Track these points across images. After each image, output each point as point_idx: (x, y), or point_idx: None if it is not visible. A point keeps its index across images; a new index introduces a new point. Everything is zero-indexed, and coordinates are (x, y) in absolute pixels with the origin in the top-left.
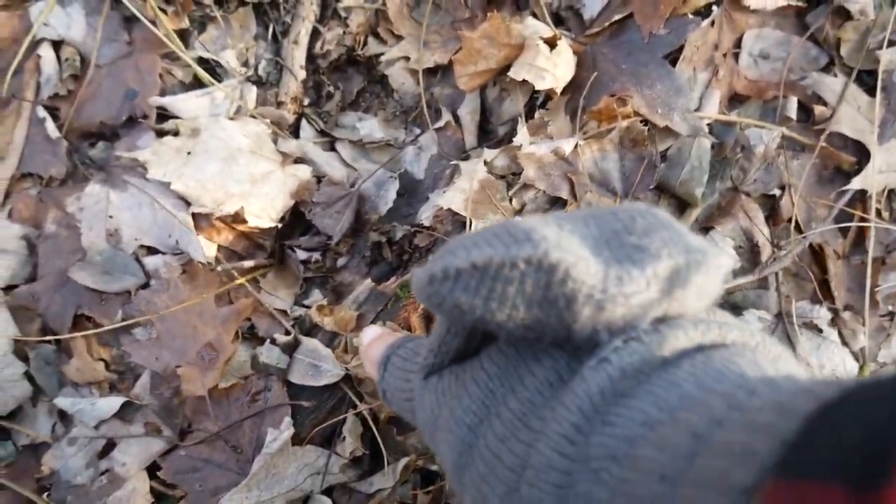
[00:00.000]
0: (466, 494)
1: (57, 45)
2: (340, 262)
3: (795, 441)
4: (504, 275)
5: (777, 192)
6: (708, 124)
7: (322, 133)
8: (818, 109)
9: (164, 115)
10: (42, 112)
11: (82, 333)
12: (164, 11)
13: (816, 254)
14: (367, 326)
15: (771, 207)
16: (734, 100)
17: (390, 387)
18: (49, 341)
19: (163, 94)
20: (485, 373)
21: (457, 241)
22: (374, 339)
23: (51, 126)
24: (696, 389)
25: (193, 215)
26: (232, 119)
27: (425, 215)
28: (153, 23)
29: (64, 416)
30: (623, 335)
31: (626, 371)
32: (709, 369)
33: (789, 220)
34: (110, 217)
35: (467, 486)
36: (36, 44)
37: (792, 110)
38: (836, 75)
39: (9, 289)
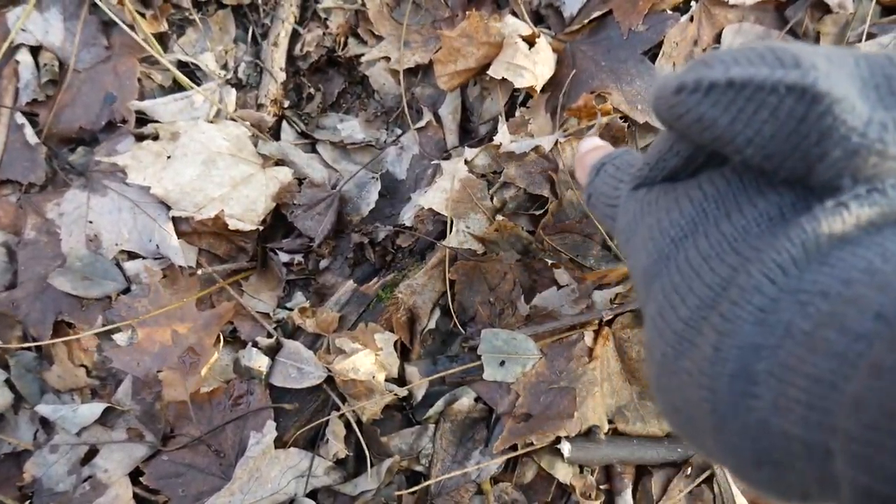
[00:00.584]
0: (651, 301)
1: (35, 50)
2: (323, 264)
3: None
4: (761, 97)
5: None
6: None
7: (303, 135)
8: None
9: (143, 119)
10: (20, 118)
11: (63, 339)
12: (143, 15)
13: None
14: (586, 137)
15: None
16: None
17: (597, 191)
18: (30, 348)
19: (142, 98)
20: (701, 192)
21: (714, 55)
22: (592, 148)
23: (29, 132)
24: None
25: (174, 219)
26: (212, 122)
27: (407, 215)
28: (131, 27)
29: (46, 423)
30: (868, 184)
31: (860, 220)
32: None
33: None
34: (90, 222)
35: (654, 293)
36: (13, 49)
37: None
38: None
39: None
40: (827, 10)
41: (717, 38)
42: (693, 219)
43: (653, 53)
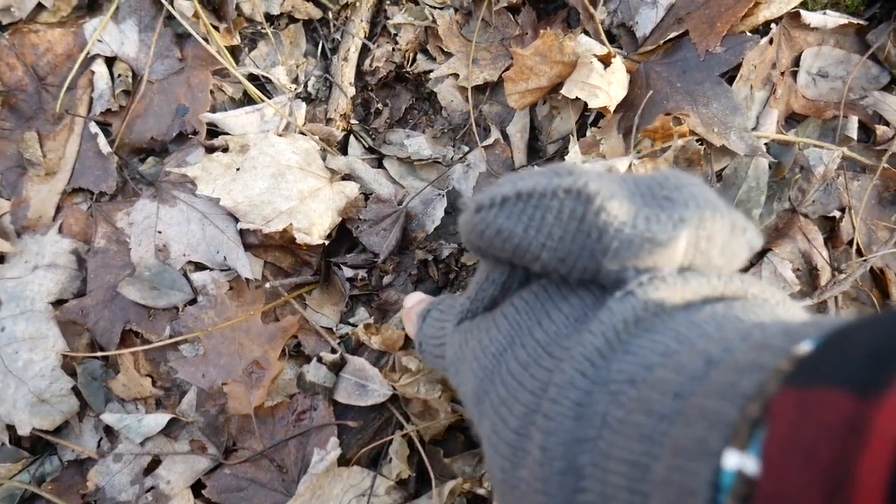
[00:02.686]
0: (485, 419)
1: (110, 61)
2: (386, 280)
3: (804, 357)
4: (545, 203)
5: (837, 213)
6: (765, 144)
7: (370, 150)
8: (879, 129)
9: (213, 131)
10: (94, 127)
11: (130, 350)
12: (216, 28)
13: (877, 278)
14: (410, 294)
15: (830, 230)
16: (792, 119)
17: (426, 336)
18: (97, 357)
19: (213, 110)
20: (514, 308)
21: (504, 178)
22: (417, 301)
23: (102, 141)
24: (715, 330)
25: (241, 231)
26: (281, 135)
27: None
28: (205, 39)
29: (110, 432)
30: (648, 273)
31: (649, 306)
32: (729, 315)
33: (849, 243)
34: (159, 232)
35: (486, 412)
36: (89, 60)
37: (852, 130)
38: None
39: (58, 303)
40: None
41: (797, 62)
42: (509, 332)
43: (730, 76)
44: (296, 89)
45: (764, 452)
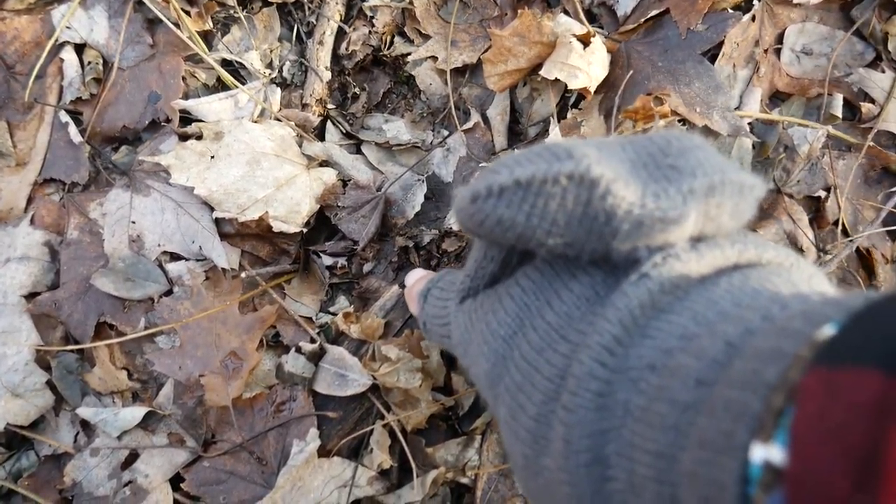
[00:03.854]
0: (501, 404)
1: (80, 48)
2: (367, 267)
3: (829, 339)
4: (546, 190)
5: (822, 193)
6: (749, 123)
7: (348, 135)
8: (865, 107)
9: (187, 118)
10: (65, 116)
11: (105, 342)
12: (188, 13)
13: (864, 258)
14: (411, 272)
15: (816, 210)
16: (776, 98)
17: (429, 316)
18: (71, 350)
19: (186, 97)
20: (520, 288)
21: (499, 162)
22: (416, 279)
23: (73, 131)
24: (732, 307)
25: (217, 220)
26: (256, 122)
27: (454, 219)
28: (176, 25)
29: (86, 426)
30: (662, 252)
31: (665, 286)
32: (745, 287)
33: (835, 223)
34: (133, 223)
35: (501, 396)
36: (58, 47)
37: (837, 108)
38: (883, 71)
39: (31, 296)
40: (895, 9)
41: (780, 39)
42: (518, 314)
43: (712, 54)
44: (270, 74)
45: (792, 434)
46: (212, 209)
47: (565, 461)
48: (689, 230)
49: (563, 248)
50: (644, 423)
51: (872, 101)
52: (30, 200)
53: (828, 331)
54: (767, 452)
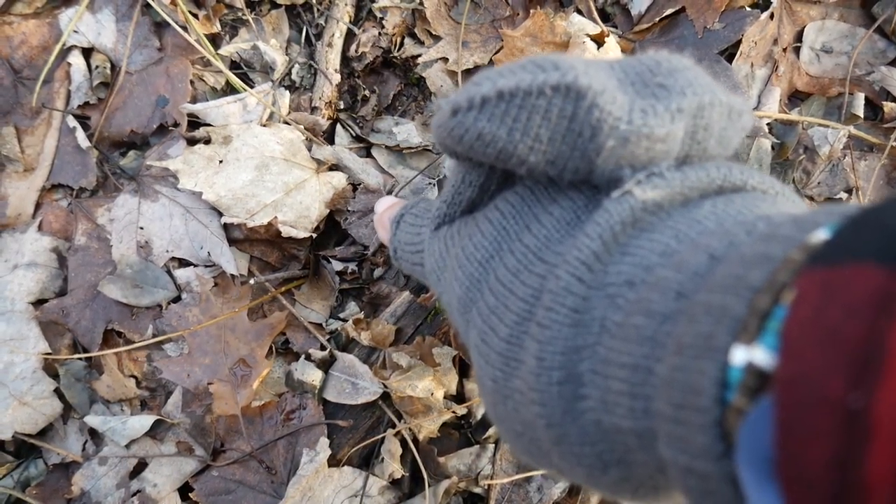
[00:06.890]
0: (472, 329)
1: (87, 52)
2: (377, 273)
3: (825, 240)
4: (530, 103)
5: (843, 195)
6: (768, 124)
7: (357, 139)
8: (887, 106)
9: (195, 122)
10: (72, 121)
11: (113, 350)
12: (195, 16)
13: None
14: (380, 198)
15: None
16: (795, 97)
17: (401, 242)
18: (79, 358)
19: (194, 100)
20: (499, 212)
21: (482, 74)
22: (388, 206)
23: (81, 135)
24: (717, 226)
25: (225, 226)
26: (265, 125)
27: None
28: (184, 28)
29: (95, 435)
30: (645, 171)
31: (647, 205)
32: (730, 209)
33: None
34: (141, 228)
35: (473, 320)
36: (66, 52)
37: (858, 107)
38: None
39: (38, 303)
40: None
41: (799, 37)
42: (495, 238)
43: (729, 53)
44: (279, 77)
45: (784, 337)
46: (220, 214)
47: (536, 379)
48: (676, 151)
49: (544, 165)
50: (620, 339)
51: (895, 99)
52: (37, 206)
53: (821, 234)
54: (750, 354)
